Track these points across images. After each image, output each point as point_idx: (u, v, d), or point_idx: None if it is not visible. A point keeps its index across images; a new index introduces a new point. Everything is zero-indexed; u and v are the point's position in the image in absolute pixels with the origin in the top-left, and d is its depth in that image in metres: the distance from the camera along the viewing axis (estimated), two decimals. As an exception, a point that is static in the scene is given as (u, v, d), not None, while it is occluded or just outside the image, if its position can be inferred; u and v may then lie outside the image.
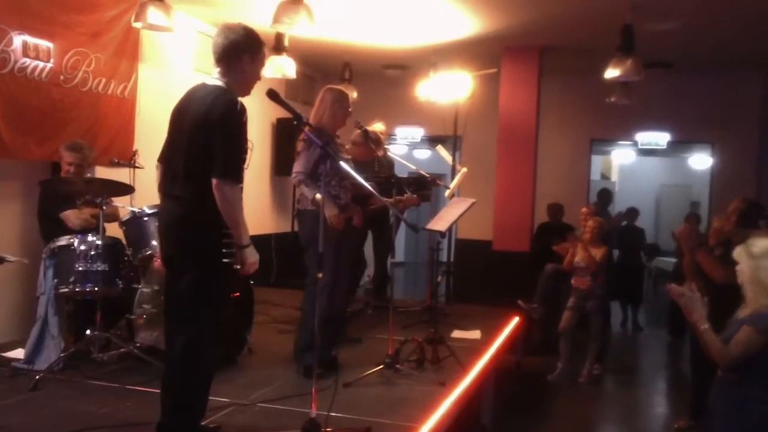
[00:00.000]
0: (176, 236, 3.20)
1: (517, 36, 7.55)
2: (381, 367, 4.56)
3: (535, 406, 6.14)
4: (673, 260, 9.77)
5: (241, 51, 3.23)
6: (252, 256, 3.22)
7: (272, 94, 3.42)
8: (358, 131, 5.63)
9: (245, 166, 3.24)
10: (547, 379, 6.69)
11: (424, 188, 6.51)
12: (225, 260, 3.18)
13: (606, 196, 9.80)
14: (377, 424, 3.69)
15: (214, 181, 3.05)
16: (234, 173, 3.11)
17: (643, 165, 15.88)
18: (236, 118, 3.12)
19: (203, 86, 3.26)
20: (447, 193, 6.44)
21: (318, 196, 4.28)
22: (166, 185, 3.28)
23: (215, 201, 3.09)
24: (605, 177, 16.37)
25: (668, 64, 8.36)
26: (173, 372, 3.23)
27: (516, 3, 6.44)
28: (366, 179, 4.03)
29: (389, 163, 6.43)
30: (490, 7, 6.54)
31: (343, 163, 3.79)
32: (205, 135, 3.08)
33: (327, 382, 3.93)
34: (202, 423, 3.41)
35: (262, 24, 5.15)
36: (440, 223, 5.23)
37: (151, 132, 6.25)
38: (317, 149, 4.32)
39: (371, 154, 5.91)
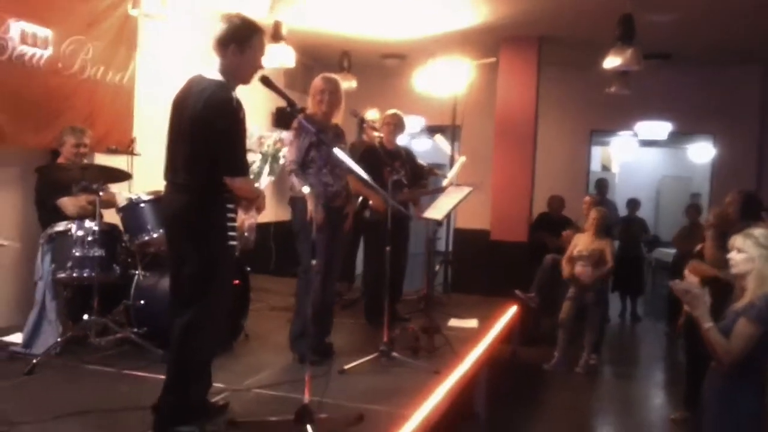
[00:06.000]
0: (180, 222, 3.25)
1: (515, 26, 7.53)
2: (376, 354, 4.58)
3: (530, 395, 6.15)
4: (673, 251, 9.77)
5: (228, 41, 3.24)
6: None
7: (265, 81, 3.43)
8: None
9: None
10: (543, 368, 6.71)
11: (421, 178, 6.51)
12: (229, 243, 3.25)
13: (603, 185, 9.79)
14: (370, 411, 3.70)
15: (226, 179, 3.18)
16: (240, 168, 3.25)
17: (643, 156, 15.82)
18: (232, 117, 3.16)
19: (200, 80, 3.26)
20: (445, 182, 6.43)
21: (306, 189, 4.28)
22: (169, 173, 3.33)
23: (217, 187, 3.19)
24: (606, 168, 16.33)
25: (666, 55, 8.34)
26: (171, 351, 3.30)
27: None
28: None
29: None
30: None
31: (337, 150, 3.78)
32: (202, 130, 3.13)
33: (322, 369, 3.95)
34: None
35: (260, 12, 5.15)
36: (436, 211, 5.21)
37: (149, 119, 6.26)
38: (307, 137, 4.35)
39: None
